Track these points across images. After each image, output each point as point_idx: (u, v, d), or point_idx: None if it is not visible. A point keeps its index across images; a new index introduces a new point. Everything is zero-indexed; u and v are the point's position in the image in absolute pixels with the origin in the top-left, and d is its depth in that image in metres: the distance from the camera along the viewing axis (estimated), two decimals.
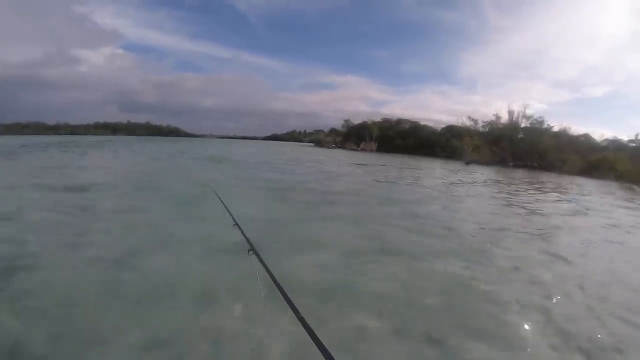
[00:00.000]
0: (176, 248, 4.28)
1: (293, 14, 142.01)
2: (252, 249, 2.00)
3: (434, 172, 20.81)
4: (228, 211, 2.99)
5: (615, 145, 32.67)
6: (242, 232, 2.35)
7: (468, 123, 45.08)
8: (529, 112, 39.01)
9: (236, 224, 2.57)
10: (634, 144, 30.84)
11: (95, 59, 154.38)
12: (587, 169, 28.31)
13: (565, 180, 22.28)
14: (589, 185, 19.97)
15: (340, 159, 26.99)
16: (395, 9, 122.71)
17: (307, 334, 1.11)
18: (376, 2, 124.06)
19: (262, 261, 1.81)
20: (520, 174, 24.81)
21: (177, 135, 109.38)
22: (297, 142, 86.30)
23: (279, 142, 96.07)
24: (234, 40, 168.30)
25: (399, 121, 54.24)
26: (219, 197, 3.81)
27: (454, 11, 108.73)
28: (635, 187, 21.05)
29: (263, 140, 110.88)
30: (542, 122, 38.09)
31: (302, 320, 1.20)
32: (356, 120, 58.93)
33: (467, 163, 32.10)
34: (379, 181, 13.64)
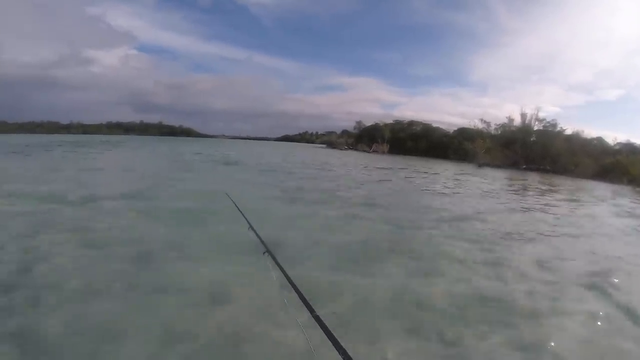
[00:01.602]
0: (191, 248, 4.33)
1: (305, 17, 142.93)
2: (267, 250, 2.03)
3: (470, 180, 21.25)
4: (242, 214, 2.98)
5: (629, 149, 32.59)
6: (257, 234, 2.38)
7: (480, 125, 45.24)
8: (541, 115, 39.15)
9: (250, 227, 2.59)
10: None
11: (109, 60, 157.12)
12: (600, 172, 28.28)
13: (595, 186, 22.53)
14: (604, 189, 20.19)
15: (356, 162, 27.50)
16: (405, 12, 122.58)
17: (324, 333, 1.13)
18: (387, 5, 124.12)
19: (277, 262, 1.84)
20: (537, 177, 25.00)
21: (189, 136, 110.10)
22: (309, 144, 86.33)
23: (291, 143, 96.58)
24: (247, 41, 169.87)
25: (411, 123, 54.14)
26: (233, 201, 3.75)
27: (465, 13, 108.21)
28: None
29: (275, 141, 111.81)
30: (554, 125, 38.12)
31: (317, 318, 1.23)
32: (368, 122, 59.34)
33: (480, 166, 32.25)
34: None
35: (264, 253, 2.04)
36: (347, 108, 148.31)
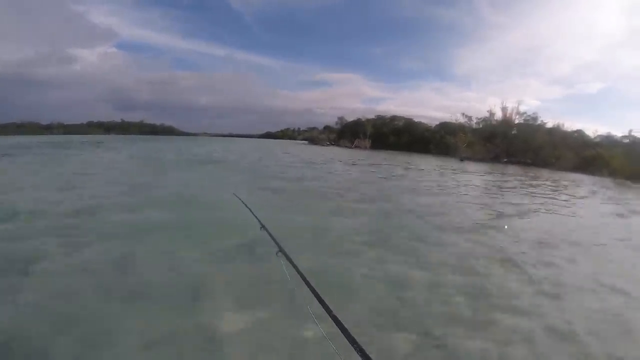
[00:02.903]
0: (194, 251, 4.15)
1: (288, 12, 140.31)
2: (280, 250, 1.98)
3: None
4: (253, 213, 2.94)
5: (609, 142, 32.51)
6: (270, 234, 2.32)
7: (462, 120, 44.95)
8: (522, 108, 39.16)
9: (263, 226, 2.53)
10: (628, 140, 30.62)
11: (90, 58, 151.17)
12: (580, 164, 28.23)
13: (570, 177, 22.04)
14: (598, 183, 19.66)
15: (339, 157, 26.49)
16: (390, 6, 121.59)
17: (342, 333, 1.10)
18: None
19: (291, 262, 1.79)
20: (519, 170, 24.54)
21: (171, 134, 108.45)
22: (291, 140, 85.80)
23: (272, 140, 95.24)
24: (230, 38, 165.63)
25: (393, 118, 53.97)
26: (242, 200, 3.64)
27: (449, 8, 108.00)
28: (629, 183, 20.85)
29: (257, 139, 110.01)
30: (535, 119, 38.14)
31: (335, 318, 1.20)
32: (351, 118, 58.79)
33: (461, 159, 31.95)
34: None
35: (277, 253, 1.96)
36: (331, 104, 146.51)
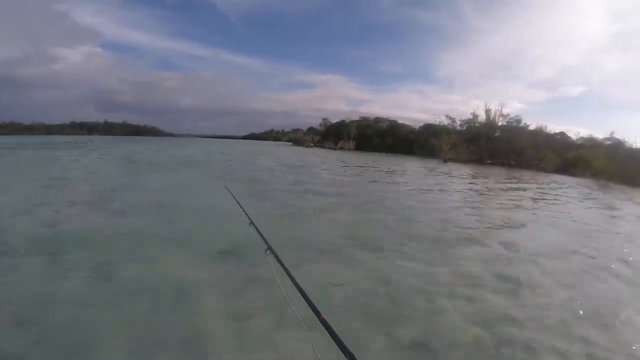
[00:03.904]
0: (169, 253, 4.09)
1: (273, 14, 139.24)
2: (269, 248, 1.94)
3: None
4: (243, 210, 2.92)
5: (591, 144, 32.56)
6: (259, 232, 2.27)
7: (446, 122, 44.65)
8: (506, 111, 38.98)
9: (251, 223, 2.51)
10: (610, 142, 30.66)
11: (73, 58, 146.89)
12: (563, 166, 28.12)
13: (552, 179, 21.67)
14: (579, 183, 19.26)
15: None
16: (375, 9, 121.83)
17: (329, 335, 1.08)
18: (356, 2, 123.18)
19: (280, 261, 1.75)
20: (499, 171, 24.06)
21: (154, 135, 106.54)
22: (275, 141, 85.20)
23: (256, 141, 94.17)
24: (214, 39, 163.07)
25: (377, 120, 53.72)
26: (233, 195, 3.65)
27: (433, 12, 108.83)
28: (611, 184, 20.59)
29: (241, 140, 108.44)
30: (519, 121, 37.99)
31: (324, 322, 1.16)
32: (335, 119, 58.29)
33: (445, 161, 31.55)
34: None
35: (265, 251, 1.93)
36: (315, 105, 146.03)
